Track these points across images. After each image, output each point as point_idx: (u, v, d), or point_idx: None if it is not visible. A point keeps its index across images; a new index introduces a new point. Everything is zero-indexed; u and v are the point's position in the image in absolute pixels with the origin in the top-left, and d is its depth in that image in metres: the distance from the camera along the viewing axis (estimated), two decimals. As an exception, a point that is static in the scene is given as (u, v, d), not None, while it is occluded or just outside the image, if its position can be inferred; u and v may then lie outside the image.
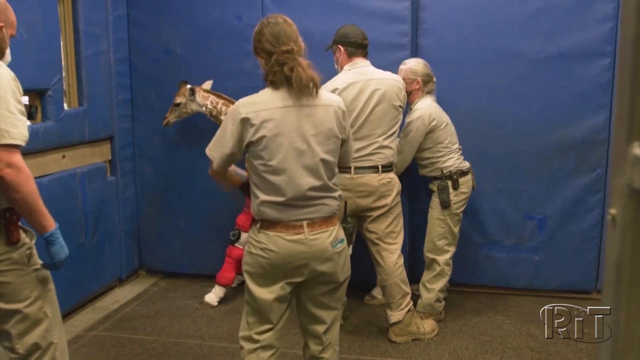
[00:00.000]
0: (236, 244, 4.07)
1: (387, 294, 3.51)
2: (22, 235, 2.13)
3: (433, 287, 3.72)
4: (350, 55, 3.44)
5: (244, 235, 4.02)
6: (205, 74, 4.21)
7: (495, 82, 3.98)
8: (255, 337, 2.33)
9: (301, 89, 2.18)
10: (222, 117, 3.98)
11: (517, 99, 3.98)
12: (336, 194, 2.32)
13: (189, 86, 4.08)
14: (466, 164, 3.75)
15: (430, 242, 3.74)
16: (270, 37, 2.21)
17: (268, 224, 2.24)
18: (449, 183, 3.65)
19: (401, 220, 3.55)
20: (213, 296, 4.13)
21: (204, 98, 4.05)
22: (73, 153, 3.89)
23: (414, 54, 4.02)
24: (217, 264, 4.21)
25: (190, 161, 4.46)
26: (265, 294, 2.27)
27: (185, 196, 4.54)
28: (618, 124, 0.93)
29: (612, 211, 0.91)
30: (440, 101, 3.82)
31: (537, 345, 3.46)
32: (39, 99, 3.56)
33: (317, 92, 2.23)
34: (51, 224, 2.13)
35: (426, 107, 3.63)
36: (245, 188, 2.68)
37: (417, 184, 4.20)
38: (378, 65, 3.49)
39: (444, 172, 3.65)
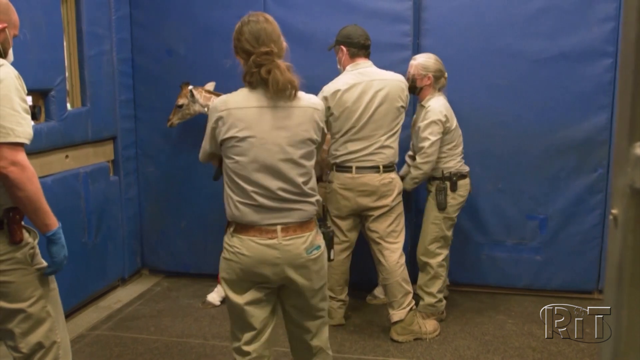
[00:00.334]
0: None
1: (389, 292, 3.52)
2: (25, 234, 2.13)
3: (430, 290, 3.72)
4: (353, 56, 3.44)
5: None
6: (208, 74, 4.22)
7: (497, 82, 3.98)
8: (245, 348, 2.28)
9: (277, 92, 2.13)
10: None
11: (519, 99, 3.98)
12: (313, 199, 2.25)
13: (190, 87, 4.08)
14: (466, 168, 3.73)
15: (423, 245, 3.73)
16: (249, 36, 2.16)
17: (241, 227, 2.19)
18: (448, 184, 3.63)
19: (402, 220, 3.55)
20: (215, 295, 4.13)
21: (206, 99, 4.06)
22: (76, 153, 3.89)
23: (416, 54, 4.01)
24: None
25: (193, 161, 4.45)
26: (239, 298, 2.23)
27: (188, 196, 4.55)
28: (620, 124, 0.94)
29: (614, 211, 0.91)
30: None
31: (539, 345, 3.46)
32: (42, 99, 3.56)
33: (295, 95, 2.17)
34: (54, 223, 2.14)
35: (438, 108, 3.53)
36: None
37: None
38: (380, 65, 3.49)
39: (444, 173, 3.63)
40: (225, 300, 2.30)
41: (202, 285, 4.46)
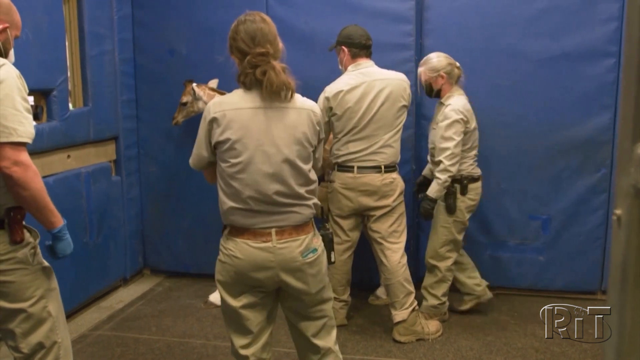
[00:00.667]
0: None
1: (391, 293, 3.51)
2: (26, 234, 2.13)
3: (435, 292, 3.70)
4: (354, 56, 3.43)
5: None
6: (210, 73, 4.22)
7: (499, 82, 3.97)
8: (242, 352, 2.26)
9: (271, 94, 2.09)
10: None
11: (521, 99, 3.97)
12: (310, 202, 2.21)
13: (194, 85, 4.09)
14: (478, 171, 3.66)
15: (432, 248, 3.69)
16: (245, 36, 2.12)
17: (236, 230, 2.16)
18: (458, 187, 3.57)
19: (404, 220, 3.55)
20: (217, 295, 4.11)
21: (209, 96, 4.07)
22: (78, 153, 3.90)
23: (419, 54, 4.02)
24: (221, 263, 4.21)
25: (195, 161, 4.46)
26: (234, 301, 2.21)
27: (190, 196, 4.55)
28: (623, 124, 0.93)
29: (618, 211, 0.91)
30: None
31: (541, 345, 3.45)
32: (44, 99, 3.57)
33: (291, 96, 2.14)
34: (59, 220, 2.15)
35: (458, 107, 3.46)
36: None
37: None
38: (382, 65, 3.49)
39: (455, 175, 3.54)
40: (221, 302, 2.28)
41: (203, 285, 4.46)
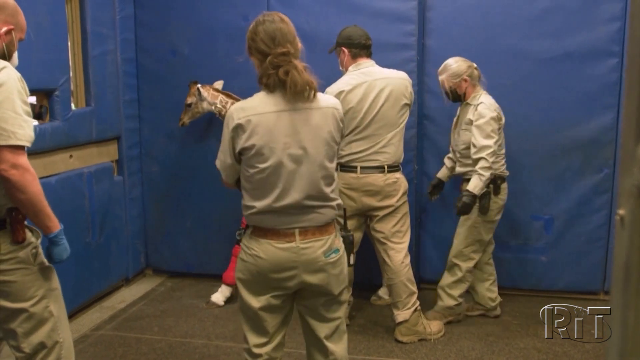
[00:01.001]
0: (242, 244, 4.07)
1: (394, 293, 3.51)
2: (28, 234, 2.14)
3: (453, 293, 3.66)
4: (355, 57, 3.43)
5: (250, 235, 4.02)
6: (212, 74, 4.22)
7: (501, 82, 3.96)
8: (256, 350, 2.26)
9: (295, 94, 2.06)
10: None
11: (524, 99, 3.97)
12: (334, 203, 2.21)
13: (198, 85, 4.09)
14: (506, 171, 3.63)
15: (457, 247, 3.63)
16: (265, 36, 2.09)
17: (260, 230, 2.16)
18: (491, 187, 3.51)
19: (408, 220, 3.55)
20: (219, 296, 4.13)
21: (214, 97, 4.07)
22: (80, 153, 3.90)
23: (421, 54, 4.01)
24: (224, 263, 4.22)
25: (197, 161, 4.47)
26: (254, 301, 2.20)
27: (192, 196, 4.55)
28: (626, 124, 0.93)
29: (621, 212, 0.91)
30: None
31: (543, 346, 3.45)
32: (46, 99, 3.57)
33: (314, 96, 2.12)
34: (56, 224, 2.14)
35: (492, 105, 3.45)
36: None
37: (423, 183, 4.19)
38: (384, 65, 3.48)
39: (490, 175, 3.47)
40: (238, 301, 2.28)
41: (206, 286, 4.46)
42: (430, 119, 4.16)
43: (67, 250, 2.19)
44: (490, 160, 3.36)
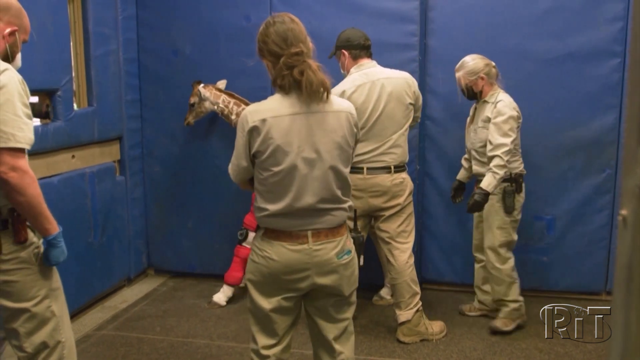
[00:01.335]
0: (244, 244, 4.07)
1: (397, 293, 3.51)
2: (30, 234, 2.14)
3: (511, 298, 3.57)
4: (355, 58, 3.43)
5: (251, 235, 4.02)
6: (214, 74, 4.23)
7: (504, 82, 3.95)
8: (264, 352, 2.25)
9: (311, 94, 2.05)
10: (233, 117, 4.03)
11: (526, 99, 3.94)
12: (346, 205, 2.21)
13: (200, 86, 4.10)
14: (524, 170, 3.60)
15: (492, 252, 3.54)
16: (276, 37, 2.07)
17: (272, 232, 2.15)
18: (514, 186, 3.48)
19: (413, 220, 3.55)
20: (221, 296, 4.13)
21: (216, 97, 4.08)
22: (82, 153, 3.90)
23: (423, 54, 4.01)
24: (226, 263, 4.22)
25: (199, 161, 4.47)
26: (265, 303, 2.19)
27: (194, 196, 4.55)
28: (629, 124, 0.93)
29: (623, 212, 0.91)
30: (447, 101, 3.80)
31: (545, 346, 3.44)
32: (49, 99, 3.57)
33: (327, 96, 2.10)
34: (54, 227, 2.13)
35: (511, 104, 3.42)
36: None
37: (426, 184, 4.19)
38: (387, 65, 3.48)
39: (512, 174, 3.45)
40: (248, 302, 2.26)
41: (208, 286, 4.46)
42: (433, 119, 4.16)
43: (64, 253, 2.18)
44: (505, 158, 3.33)
